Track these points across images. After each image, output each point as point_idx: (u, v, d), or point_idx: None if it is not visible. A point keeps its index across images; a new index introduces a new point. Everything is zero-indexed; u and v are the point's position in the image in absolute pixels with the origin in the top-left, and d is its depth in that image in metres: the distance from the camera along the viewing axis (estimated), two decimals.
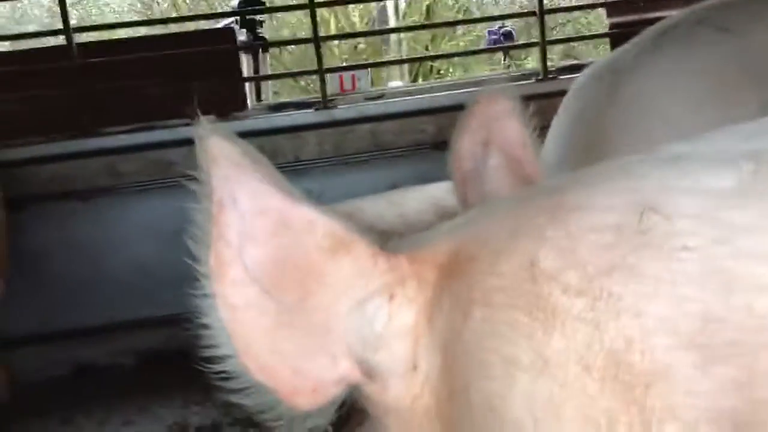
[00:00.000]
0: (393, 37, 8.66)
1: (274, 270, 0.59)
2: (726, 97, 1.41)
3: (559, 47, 8.19)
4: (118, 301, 3.09)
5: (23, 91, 3.08)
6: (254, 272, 0.59)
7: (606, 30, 4.05)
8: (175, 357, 3.05)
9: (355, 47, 9.21)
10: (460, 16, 8.85)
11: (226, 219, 0.59)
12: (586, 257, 0.50)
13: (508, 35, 5.34)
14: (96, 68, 3.12)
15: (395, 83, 6.92)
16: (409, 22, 8.58)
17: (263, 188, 0.59)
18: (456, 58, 8.47)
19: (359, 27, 8.87)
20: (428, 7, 8.71)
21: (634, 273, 0.48)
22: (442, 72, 8.63)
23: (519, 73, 4.12)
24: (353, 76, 4.18)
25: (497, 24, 6.07)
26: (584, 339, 0.49)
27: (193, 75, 3.15)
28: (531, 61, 8.14)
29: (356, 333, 0.60)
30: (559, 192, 0.57)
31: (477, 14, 9.18)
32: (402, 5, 8.59)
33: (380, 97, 3.62)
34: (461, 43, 8.69)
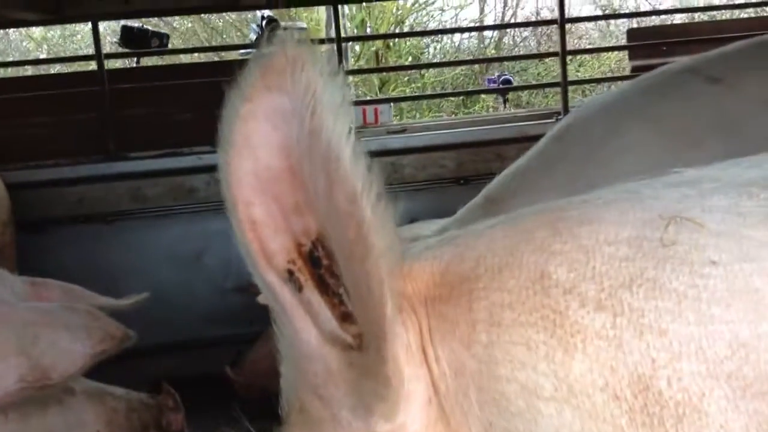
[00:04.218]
0: None
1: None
2: (689, 143, 1.46)
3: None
4: (136, 325, 3.10)
5: (52, 114, 3.14)
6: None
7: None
8: (188, 384, 3.06)
9: None
10: (407, 62, 8.93)
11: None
12: (602, 269, 0.46)
13: (507, 82, 5.50)
14: (124, 94, 3.18)
15: None
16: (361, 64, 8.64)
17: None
18: (404, 104, 8.38)
19: None
20: (376, 53, 8.78)
21: (656, 287, 0.44)
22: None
23: (541, 112, 4.14)
24: (376, 110, 4.22)
25: (496, 72, 6.30)
26: (608, 360, 0.44)
27: (218, 104, 3.20)
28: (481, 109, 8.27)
29: None
30: (556, 209, 0.53)
31: (426, 61, 9.25)
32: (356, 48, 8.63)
33: (403, 130, 3.65)
34: (407, 90, 8.75)
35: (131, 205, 3.08)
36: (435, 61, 9.25)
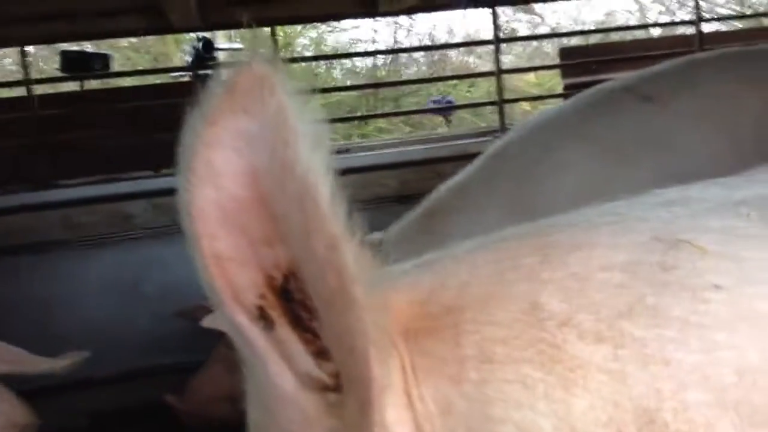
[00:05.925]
0: None
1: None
2: (622, 159, 1.50)
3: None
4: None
5: None
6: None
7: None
8: (128, 417, 2.96)
9: None
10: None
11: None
12: (598, 298, 0.44)
13: (450, 104, 5.71)
14: (55, 120, 3.09)
15: None
16: None
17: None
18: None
19: None
20: None
21: (656, 315, 0.42)
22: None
23: (479, 131, 4.20)
24: None
25: (439, 94, 6.49)
26: (611, 395, 0.42)
27: (152, 128, 3.14)
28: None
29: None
30: (541, 234, 0.50)
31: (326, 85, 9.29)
32: None
33: (346, 150, 3.66)
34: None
35: (63, 235, 2.98)
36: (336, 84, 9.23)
